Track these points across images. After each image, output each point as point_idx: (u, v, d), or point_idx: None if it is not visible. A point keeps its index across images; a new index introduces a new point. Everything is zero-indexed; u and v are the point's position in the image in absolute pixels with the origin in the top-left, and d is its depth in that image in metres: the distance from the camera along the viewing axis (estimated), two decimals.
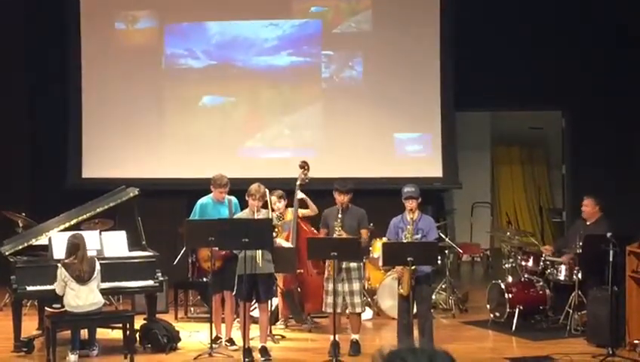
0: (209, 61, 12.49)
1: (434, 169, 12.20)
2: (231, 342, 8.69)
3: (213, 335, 8.59)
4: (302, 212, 9.46)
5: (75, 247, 8.01)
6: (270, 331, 8.87)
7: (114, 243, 8.74)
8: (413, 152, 12.32)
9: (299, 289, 9.48)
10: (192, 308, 10.40)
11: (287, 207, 9.66)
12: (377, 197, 10.56)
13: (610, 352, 8.04)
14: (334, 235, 8.29)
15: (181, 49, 12.53)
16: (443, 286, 10.52)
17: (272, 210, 8.77)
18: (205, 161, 11.99)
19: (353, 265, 8.38)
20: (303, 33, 12.40)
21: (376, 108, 12.27)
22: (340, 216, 8.32)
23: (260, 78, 12.41)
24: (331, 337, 8.17)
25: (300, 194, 9.32)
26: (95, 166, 12.42)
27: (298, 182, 9.23)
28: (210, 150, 12.33)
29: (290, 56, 12.40)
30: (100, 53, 12.53)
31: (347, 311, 8.49)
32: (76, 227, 8.77)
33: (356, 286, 8.39)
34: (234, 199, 8.95)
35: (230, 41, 12.47)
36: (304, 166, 9.24)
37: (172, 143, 12.45)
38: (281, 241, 9.04)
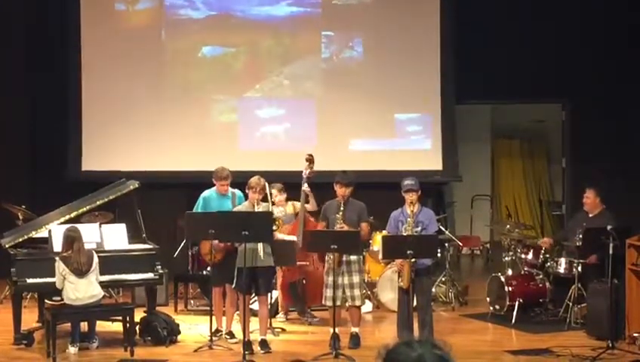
0: (209, 11, 12.49)
1: (434, 162, 12.20)
2: (231, 334, 8.69)
3: (214, 327, 8.60)
4: (307, 206, 9.42)
5: (72, 240, 8.00)
6: (270, 324, 8.88)
7: (114, 236, 8.74)
8: (413, 133, 12.31)
9: (303, 282, 9.47)
10: (191, 301, 10.39)
11: (287, 200, 9.66)
12: (377, 190, 10.55)
13: (610, 345, 8.04)
14: (336, 228, 8.27)
15: None
16: (443, 279, 10.52)
17: (273, 203, 8.76)
18: (205, 151, 12.00)
19: (353, 257, 8.36)
20: None
21: (377, 88, 12.26)
22: (342, 208, 8.31)
23: (259, 29, 12.43)
24: (331, 330, 8.17)
25: (306, 188, 9.26)
26: (95, 159, 12.40)
27: (305, 175, 9.20)
28: (209, 105, 12.36)
29: (289, 6, 12.40)
30: (100, 39, 12.49)
31: (347, 304, 8.48)
32: (76, 220, 8.77)
33: (356, 278, 8.38)
34: (238, 192, 8.92)
35: None
36: (310, 159, 9.22)
37: (172, 128, 12.35)
38: (282, 235, 9.00)
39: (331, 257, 8.24)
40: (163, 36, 12.57)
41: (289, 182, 9.60)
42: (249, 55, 12.50)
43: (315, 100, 12.40)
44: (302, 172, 9.22)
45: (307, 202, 9.43)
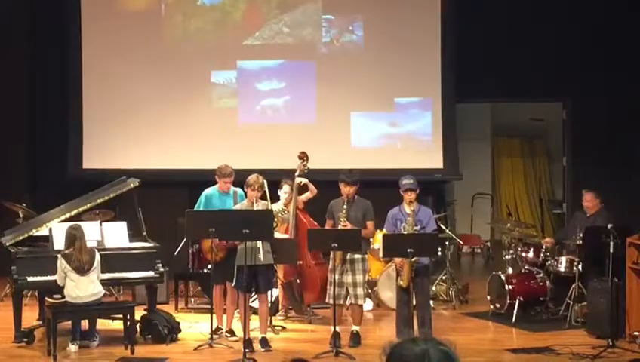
0: None
1: (435, 160, 12.19)
2: (231, 332, 8.70)
3: (214, 326, 8.60)
4: (302, 198, 9.39)
5: (74, 238, 8.01)
6: (270, 322, 8.88)
7: (114, 234, 8.74)
8: (413, 117, 12.30)
9: (297, 281, 9.47)
10: (192, 299, 10.40)
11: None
12: (376, 188, 10.54)
13: (610, 344, 8.05)
14: (339, 226, 8.27)
15: None
16: (443, 278, 10.53)
17: (278, 199, 8.78)
18: (206, 148, 12.00)
19: (358, 256, 8.36)
20: None
21: (377, 74, 12.25)
22: (345, 206, 8.31)
23: None
24: (332, 328, 8.18)
25: (299, 180, 9.23)
26: (96, 157, 12.40)
27: (297, 173, 9.18)
28: (209, 90, 12.34)
29: None
30: (101, 33, 12.45)
31: (349, 302, 8.48)
32: (77, 218, 8.77)
33: (360, 277, 8.38)
34: (239, 190, 8.91)
35: None
36: (303, 156, 9.19)
37: (172, 124, 12.31)
38: (278, 235, 8.97)
39: (336, 256, 8.25)
40: (163, 11, 12.54)
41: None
42: (248, 3, 12.47)
43: (316, 77, 12.34)
44: (295, 170, 9.20)
45: (306, 191, 9.36)
